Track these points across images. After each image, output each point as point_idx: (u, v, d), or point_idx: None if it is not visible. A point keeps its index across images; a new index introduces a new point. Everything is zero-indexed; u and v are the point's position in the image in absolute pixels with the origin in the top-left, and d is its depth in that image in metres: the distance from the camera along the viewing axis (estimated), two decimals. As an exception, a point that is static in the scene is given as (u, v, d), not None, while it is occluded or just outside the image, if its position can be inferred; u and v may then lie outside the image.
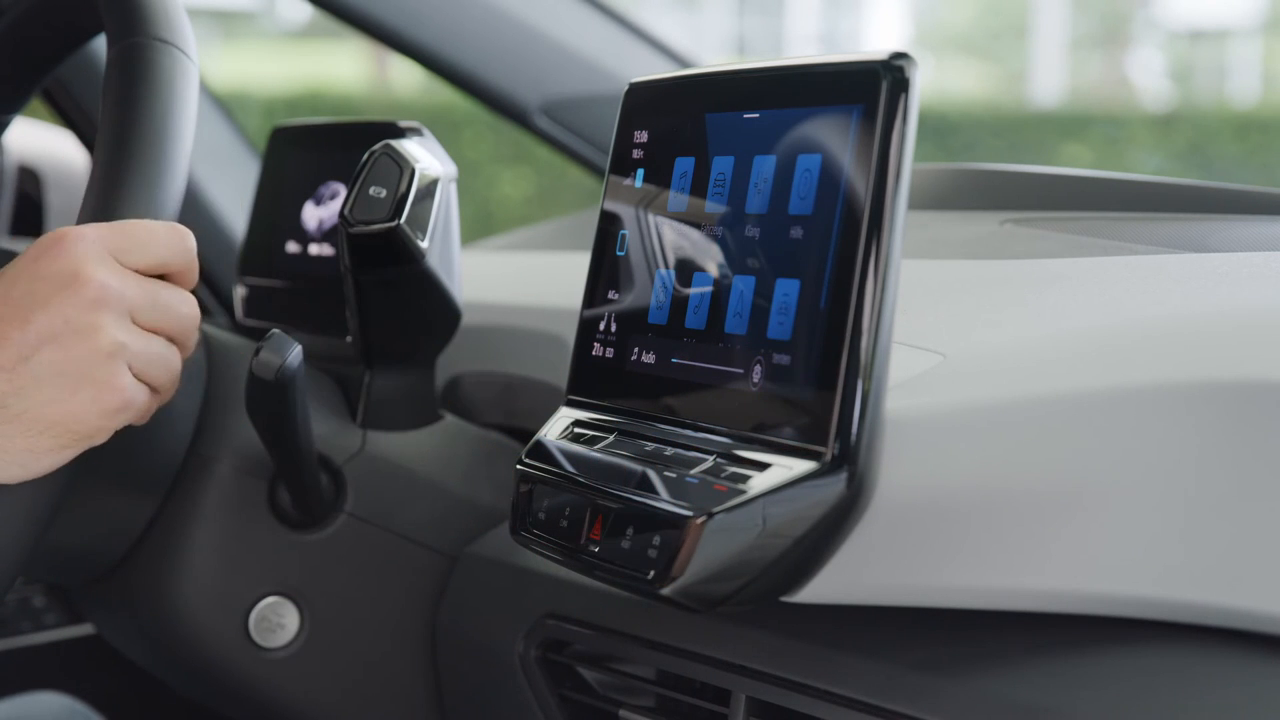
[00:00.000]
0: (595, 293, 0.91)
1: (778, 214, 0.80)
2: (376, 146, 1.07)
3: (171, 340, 0.88)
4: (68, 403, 0.83)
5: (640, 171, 0.89)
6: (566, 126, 1.64)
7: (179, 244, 0.89)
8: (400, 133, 1.13)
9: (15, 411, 0.83)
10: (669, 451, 0.81)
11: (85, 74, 1.53)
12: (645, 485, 0.80)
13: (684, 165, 0.86)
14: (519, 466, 0.89)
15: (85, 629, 1.58)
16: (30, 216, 1.76)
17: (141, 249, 0.87)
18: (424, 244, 1.07)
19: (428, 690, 1.14)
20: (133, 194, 0.91)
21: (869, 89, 0.75)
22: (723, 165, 0.84)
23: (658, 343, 0.86)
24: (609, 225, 0.91)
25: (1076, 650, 0.81)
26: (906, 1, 15.98)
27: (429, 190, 1.07)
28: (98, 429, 0.85)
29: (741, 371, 0.80)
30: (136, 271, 0.87)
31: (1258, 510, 0.80)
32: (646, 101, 0.91)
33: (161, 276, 0.88)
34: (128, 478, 1.10)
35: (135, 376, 0.86)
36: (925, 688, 0.82)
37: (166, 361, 0.87)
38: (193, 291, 0.90)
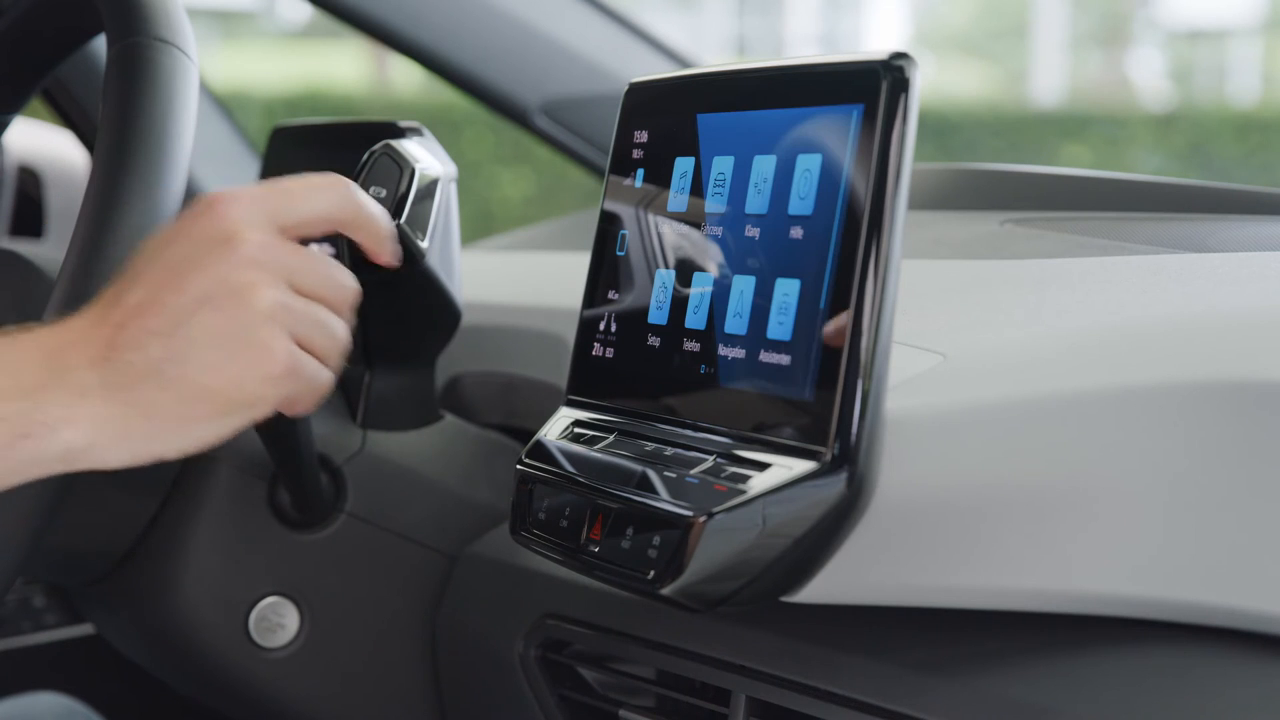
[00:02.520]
0: (595, 293, 0.91)
1: (777, 214, 0.79)
2: (376, 146, 1.07)
3: (332, 310, 0.82)
4: (226, 368, 0.78)
5: (640, 171, 0.89)
6: (566, 126, 1.64)
7: (340, 192, 0.83)
8: (400, 133, 1.13)
9: (170, 377, 0.78)
10: (669, 451, 0.81)
11: (85, 74, 1.53)
12: (645, 485, 0.80)
13: (684, 165, 0.86)
14: (519, 466, 0.89)
15: (85, 629, 1.58)
16: (30, 216, 1.76)
17: (298, 207, 0.82)
18: (424, 244, 1.06)
19: (428, 690, 1.14)
20: (132, 194, 0.91)
21: (869, 89, 0.75)
22: (722, 165, 0.84)
23: (658, 342, 0.85)
24: (609, 225, 0.91)
25: (1076, 650, 0.81)
26: (906, 1, 15.98)
27: (429, 190, 1.07)
28: (258, 397, 0.80)
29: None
30: (296, 232, 0.82)
31: (1258, 510, 0.80)
32: (646, 101, 0.91)
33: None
34: (128, 477, 1.09)
35: (299, 344, 0.80)
36: (925, 688, 0.82)
37: (329, 329, 0.81)
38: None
